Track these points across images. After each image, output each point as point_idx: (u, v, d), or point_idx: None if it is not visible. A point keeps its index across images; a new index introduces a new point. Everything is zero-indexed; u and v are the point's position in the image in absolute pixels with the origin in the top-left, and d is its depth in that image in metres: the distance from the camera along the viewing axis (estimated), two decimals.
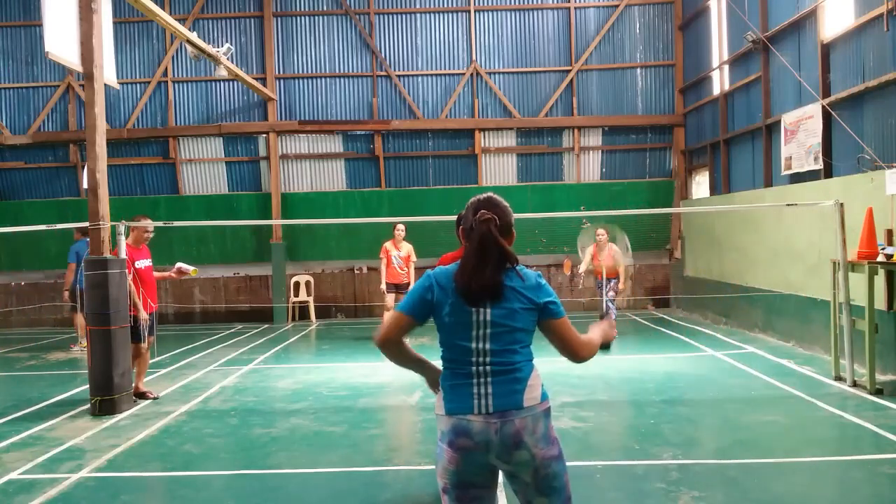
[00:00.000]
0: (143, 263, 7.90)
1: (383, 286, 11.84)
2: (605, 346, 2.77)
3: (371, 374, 9.10)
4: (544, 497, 2.69)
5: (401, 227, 11.84)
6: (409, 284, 11.86)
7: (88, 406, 7.30)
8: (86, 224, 10.61)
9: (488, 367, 2.65)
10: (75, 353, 11.39)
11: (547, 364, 10.29)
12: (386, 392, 8.08)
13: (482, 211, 2.74)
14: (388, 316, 2.72)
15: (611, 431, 6.20)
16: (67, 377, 9.28)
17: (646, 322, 13.37)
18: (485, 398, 2.63)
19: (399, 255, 11.78)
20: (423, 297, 2.74)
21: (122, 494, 5.00)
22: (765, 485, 4.84)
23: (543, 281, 2.78)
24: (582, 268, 11.15)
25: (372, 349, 11.94)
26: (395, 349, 2.83)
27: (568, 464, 5.05)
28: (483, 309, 2.65)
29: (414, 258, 11.95)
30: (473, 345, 2.66)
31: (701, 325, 12.66)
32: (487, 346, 2.65)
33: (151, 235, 8.09)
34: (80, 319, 11.59)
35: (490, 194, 2.86)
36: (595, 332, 2.97)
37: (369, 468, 5.41)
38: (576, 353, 2.79)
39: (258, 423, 6.76)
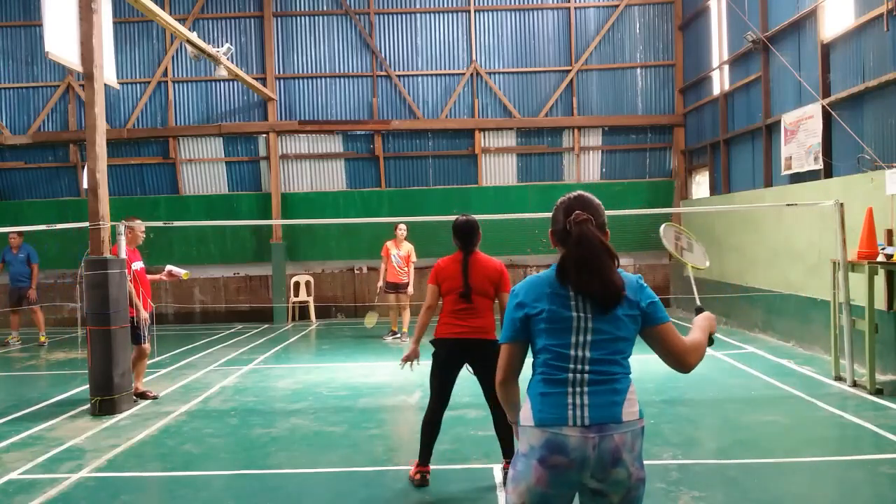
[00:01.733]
0: (137, 265, 7.90)
1: (381, 283, 11.86)
2: (710, 340, 2.89)
3: (371, 374, 9.10)
4: None
5: (402, 226, 11.84)
6: (407, 284, 11.84)
7: (88, 406, 7.30)
8: (15, 228, 11.51)
9: (586, 376, 2.41)
10: (13, 347, 12.06)
11: None
12: (386, 392, 8.08)
13: (577, 212, 2.53)
14: (503, 352, 2.48)
15: None
16: (67, 377, 9.28)
17: None
18: (581, 409, 2.38)
19: (399, 254, 11.77)
20: (513, 317, 2.55)
21: (122, 494, 5.00)
22: (765, 485, 4.84)
23: (645, 284, 2.57)
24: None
25: (372, 349, 12.00)
26: (512, 385, 2.66)
27: None
28: (585, 315, 2.44)
29: (414, 258, 11.95)
30: (572, 352, 2.43)
31: None
32: (587, 353, 2.43)
33: (143, 236, 8.07)
34: (16, 318, 12.63)
35: (580, 192, 2.66)
36: (698, 332, 2.70)
37: (369, 468, 5.41)
38: (684, 362, 2.54)
39: (258, 423, 6.76)
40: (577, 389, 2.42)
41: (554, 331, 2.46)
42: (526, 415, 2.48)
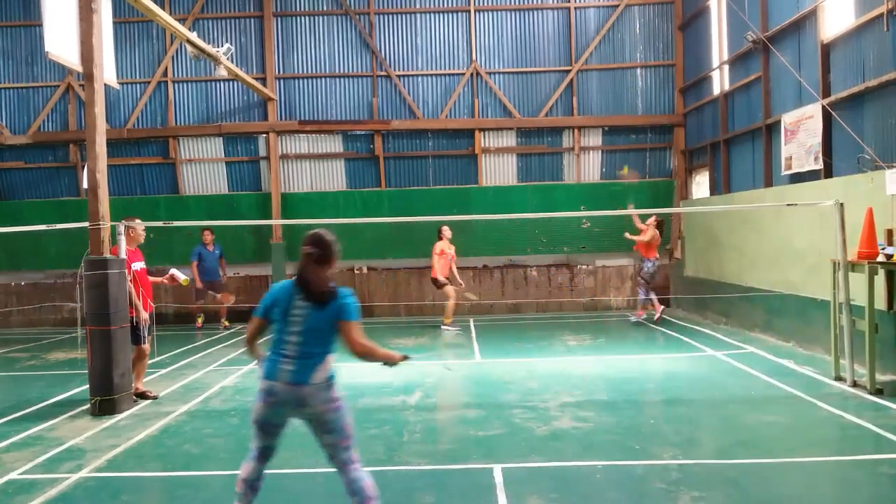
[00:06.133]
0: (138, 266, 7.90)
1: (445, 278, 13.02)
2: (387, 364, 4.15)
3: (371, 374, 9.08)
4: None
5: (445, 227, 13.01)
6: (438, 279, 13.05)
7: (88, 406, 7.29)
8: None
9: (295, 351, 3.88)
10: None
11: (549, 364, 10.24)
12: (386, 392, 8.08)
13: (305, 246, 4.03)
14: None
15: (611, 431, 6.20)
16: (67, 377, 9.27)
17: (646, 322, 13.37)
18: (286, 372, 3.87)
19: (452, 252, 13.11)
20: (264, 303, 4.04)
21: (122, 494, 5.01)
22: (765, 485, 4.84)
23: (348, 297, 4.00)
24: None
25: None
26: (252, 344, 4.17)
27: (568, 464, 5.09)
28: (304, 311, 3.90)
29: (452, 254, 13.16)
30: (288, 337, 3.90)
31: (701, 325, 12.65)
32: (299, 338, 3.88)
33: (143, 235, 8.06)
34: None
35: (317, 232, 4.13)
36: (381, 351, 4.04)
37: (369, 468, 5.39)
38: (352, 350, 3.94)
39: None
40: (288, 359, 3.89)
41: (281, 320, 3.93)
42: (260, 371, 3.97)
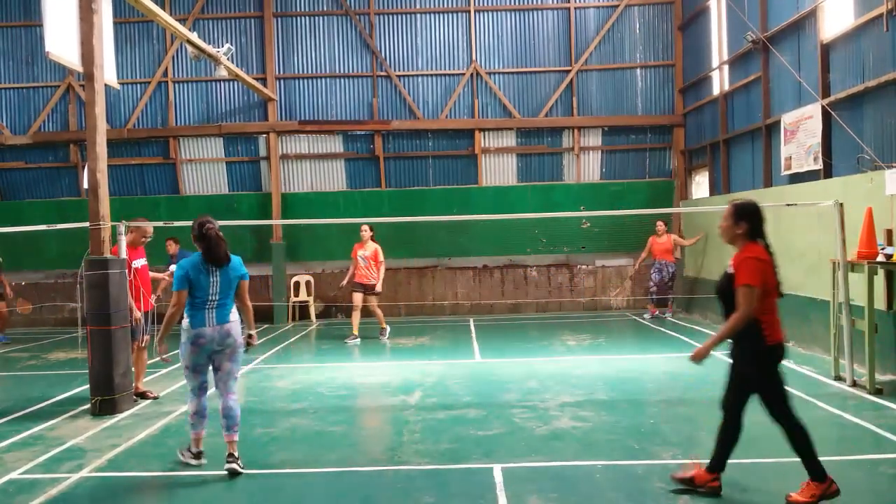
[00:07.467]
0: (139, 263, 7.91)
1: (344, 282, 12.24)
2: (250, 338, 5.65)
3: (371, 373, 9.10)
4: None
5: (365, 227, 11.84)
6: (374, 285, 11.75)
7: (89, 406, 7.30)
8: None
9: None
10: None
11: (549, 364, 10.20)
12: (386, 392, 8.09)
13: (208, 225, 5.27)
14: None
15: (611, 431, 6.21)
16: (68, 377, 9.28)
17: (646, 322, 13.38)
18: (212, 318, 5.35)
19: (364, 254, 11.76)
20: (184, 278, 5.29)
21: (123, 494, 5.02)
22: (765, 485, 4.85)
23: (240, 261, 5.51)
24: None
25: (372, 349, 11.92)
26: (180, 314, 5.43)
27: (567, 463, 5.09)
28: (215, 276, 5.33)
29: (381, 258, 11.86)
30: (209, 296, 5.34)
31: (701, 325, 12.65)
32: (217, 294, 5.35)
33: (149, 239, 8.08)
34: None
35: (207, 216, 5.33)
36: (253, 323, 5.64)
37: (369, 468, 5.42)
38: (243, 302, 5.56)
39: (258, 423, 6.77)
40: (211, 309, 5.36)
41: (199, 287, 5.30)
42: (186, 324, 5.37)
